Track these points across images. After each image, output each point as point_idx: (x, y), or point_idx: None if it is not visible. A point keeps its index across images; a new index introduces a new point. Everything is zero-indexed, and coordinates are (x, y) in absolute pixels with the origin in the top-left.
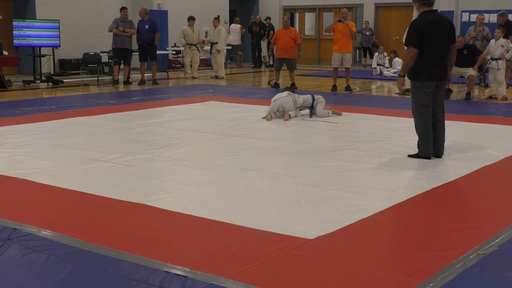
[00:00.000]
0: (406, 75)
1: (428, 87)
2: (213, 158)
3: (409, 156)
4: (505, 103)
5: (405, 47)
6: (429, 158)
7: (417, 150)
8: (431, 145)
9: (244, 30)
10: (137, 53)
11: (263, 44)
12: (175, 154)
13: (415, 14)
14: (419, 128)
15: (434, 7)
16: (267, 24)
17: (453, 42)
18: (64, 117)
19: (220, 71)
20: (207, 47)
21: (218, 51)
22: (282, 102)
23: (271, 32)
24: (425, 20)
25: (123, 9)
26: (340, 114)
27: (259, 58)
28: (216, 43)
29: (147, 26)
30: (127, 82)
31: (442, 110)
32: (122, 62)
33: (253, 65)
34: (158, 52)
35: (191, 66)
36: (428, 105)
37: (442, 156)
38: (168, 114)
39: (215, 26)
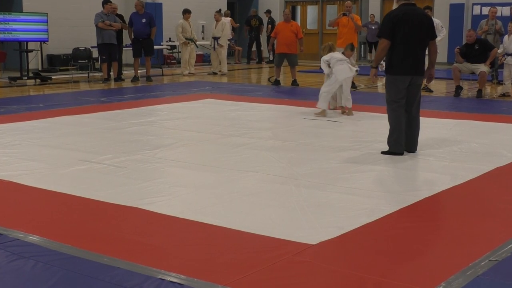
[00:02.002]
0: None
1: (401, 82)
2: (210, 159)
3: (382, 152)
4: None
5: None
6: (401, 154)
7: (388, 146)
8: (401, 141)
9: (237, 24)
10: (128, 49)
11: (261, 39)
12: (170, 155)
13: (394, 7)
14: (390, 123)
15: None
16: (267, 18)
17: (432, 37)
18: (53, 115)
19: (224, 67)
20: (207, 42)
21: (222, 45)
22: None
23: (269, 26)
24: (399, 12)
25: (108, 2)
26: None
27: (259, 53)
28: (220, 37)
29: (143, 20)
30: (118, 79)
31: (417, 106)
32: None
33: (246, 61)
34: None
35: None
36: (400, 101)
37: (415, 152)
38: (163, 112)
39: (217, 20)
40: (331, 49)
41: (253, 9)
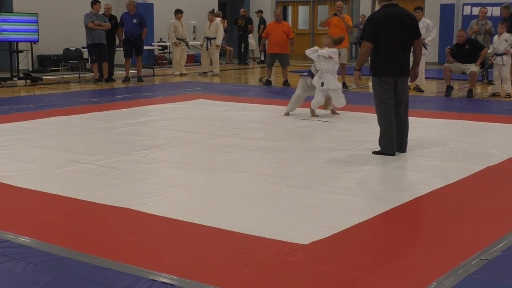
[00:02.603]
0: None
1: (386, 83)
2: (201, 160)
3: (373, 152)
4: (509, 101)
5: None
6: (392, 155)
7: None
8: (393, 142)
9: (226, 25)
10: (119, 49)
11: (251, 37)
12: (161, 155)
13: (377, 8)
14: (380, 125)
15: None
16: (258, 18)
17: (416, 37)
18: (43, 116)
19: (216, 67)
20: (197, 42)
21: (218, 46)
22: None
23: (261, 26)
24: (380, 14)
25: (96, 2)
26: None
27: (246, 53)
28: (214, 38)
29: (135, 20)
30: (109, 79)
31: (405, 107)
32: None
33: (238, 62)
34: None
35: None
36: (388, 101)
37: (405, 152)
38: (154, 113)
39: (210, 21)
40: (334, 43)
41: (243, 9)
